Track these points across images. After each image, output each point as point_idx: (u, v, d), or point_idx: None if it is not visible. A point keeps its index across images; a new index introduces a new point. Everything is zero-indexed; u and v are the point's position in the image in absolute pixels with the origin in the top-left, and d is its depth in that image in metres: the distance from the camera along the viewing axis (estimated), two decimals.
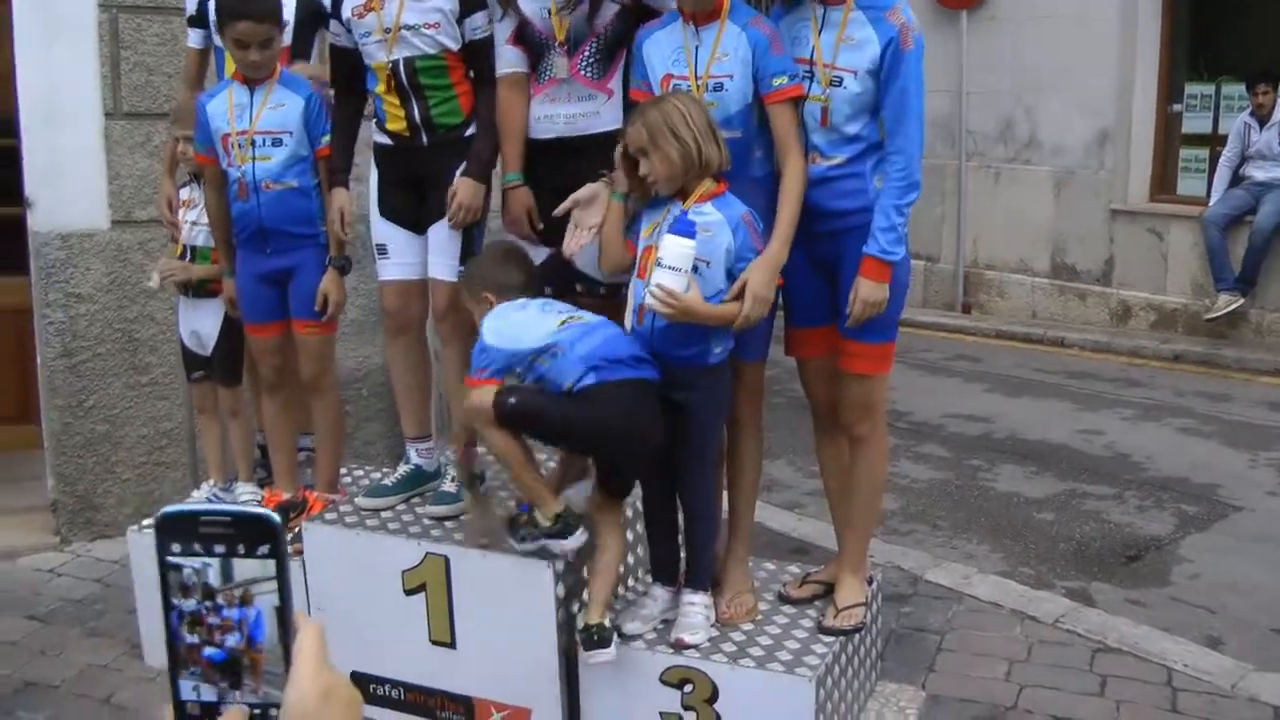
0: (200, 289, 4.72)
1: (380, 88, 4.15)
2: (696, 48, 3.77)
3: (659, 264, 3.57)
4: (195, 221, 4.70)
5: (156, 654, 4.57)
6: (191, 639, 1.04)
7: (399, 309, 4.35)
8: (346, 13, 4.16)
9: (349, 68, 4.26)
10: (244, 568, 1.04)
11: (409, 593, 4.02)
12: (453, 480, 4.30)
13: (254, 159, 4.28)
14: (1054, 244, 11.03)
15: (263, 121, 4.27)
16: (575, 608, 3.88)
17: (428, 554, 3.99)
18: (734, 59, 3.72)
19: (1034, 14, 10.89)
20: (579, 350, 3.62)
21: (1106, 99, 10.59)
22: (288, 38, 4.48)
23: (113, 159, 5.60)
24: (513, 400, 3.63)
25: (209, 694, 1.05)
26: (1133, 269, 10.54)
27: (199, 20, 4.67)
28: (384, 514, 4.28)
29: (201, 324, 4.75)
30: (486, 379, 3.67)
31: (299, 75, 4.41)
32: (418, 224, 4.24)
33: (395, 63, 4.08)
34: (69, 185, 5.55)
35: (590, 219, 3.84)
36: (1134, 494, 6.59)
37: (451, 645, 4.01)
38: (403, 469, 4.46)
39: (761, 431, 4.09)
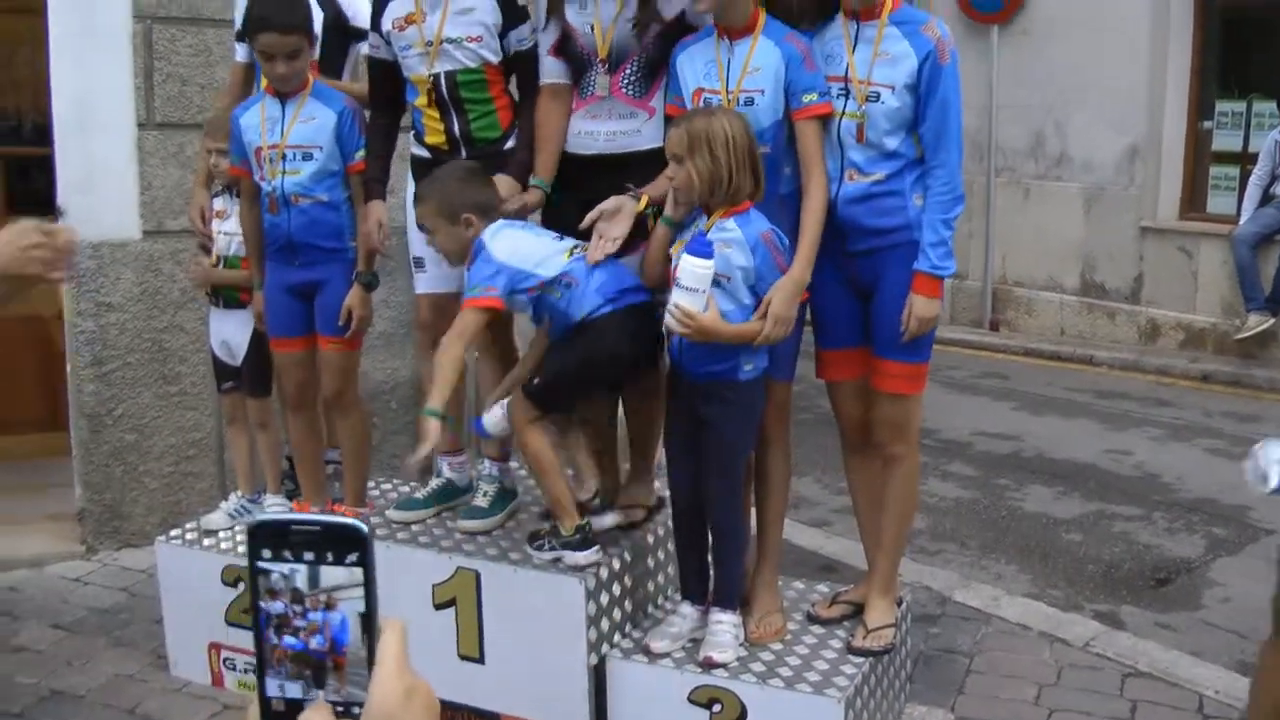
0: (230, 299, 4.72)
1: (420, 100, 4.14)
2: (729, 61, 3.76)
3: (677, 284, 3.58)
4: (228, 231, 4.71)
5: (183, 665, 4.58)
6: (277, 640, 1.07)
7: (434, 321, 4.32)
8: (387, 25, 4.15)
9: (387, 80, 4.25)
10: (331, 574, 1.07)
11: (439, 607, 4.01)
12: (484, 495, 4.29)
13: (284, 172, 4.28)
14: (1083, 261, 10.98)
15: (294, 135, 4.27)
16: (602, 625, 3.87)
17: (459, 568, 3.98)
18: (766, 74, 3.72)
19: (1065, 28, 10.85)
20: (594, 282, 3.79)
21: (1137, 115, 10.54)
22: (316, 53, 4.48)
23: (145, 169, 5.62)
24: (535, 381, 3.78)
25: (294, 691, 1.08)
26: (1162, 287, 10.48)
27: (243, 35, 4.68)
28: (414, 527, 4.27)
29: (231, 334, 4.75)
30: (493, 299, 3.78)
31: (333, 88, 4.41)
32: None
33: (436, 76, 4.07)
34: (101, 194, 5.57)
35: (614, 230, 3.83)
36: (1163, 515, 6.54)
37: (480, 660, 3.99)
38: (434, 483, 4.45)
39: (790, 449, 4.07)
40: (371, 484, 4.83)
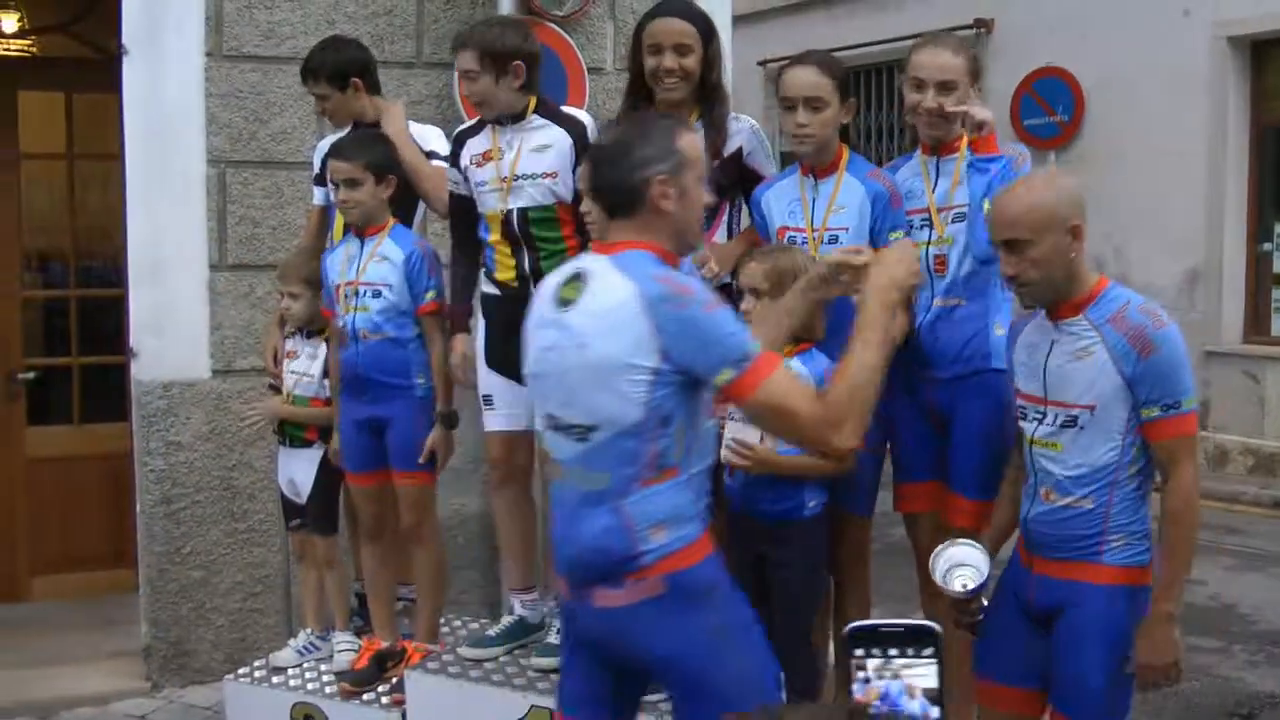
0: (296, 439, 4.76)
1: (493, 236, 4.19)
2: (814, 200, 3.81)
3: (731, 416, 3.56)
4: (295, 371, 4.77)
5: None
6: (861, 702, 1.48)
7: (505, 459, 4.34)
8: (465, 161, 4.24)
9: (468, 215, 4.30)
10: (910, 663, 1.44)
11: None
12: (558, 632, 4.25)
13: (355, 308, 4.37)
14: None
15: (368, 273, 4.37)
16: None
17: (533, 706, 3.94)
18: (851, 211, 3.76)
19: (1121, 154, 10.91)
20: None
21: (1196, 238, 10.53)
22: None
23: (216, 310, 5.71)
24: None
25: None
26: (1229, 411, 10.35)
27: (321, 179, 4.79)
28: (486, 665, 4.23)
29: (297, 473, 4.78)
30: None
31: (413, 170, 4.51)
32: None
33: (509, 212, 4.13)
34: (172, 335, 5.66)
35: None
36: (1242, 648, 6.38)
37: None
38: (506, 620, 4.42)
39: (869, 590, 4.01)
40: (440, 620, 4.81)
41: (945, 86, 3.74)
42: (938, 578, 3.23)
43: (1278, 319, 10.41)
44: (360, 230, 4.42)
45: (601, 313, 2.82)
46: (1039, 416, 3.17)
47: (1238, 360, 10.33)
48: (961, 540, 3.31)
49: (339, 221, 4.60)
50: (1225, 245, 10.41)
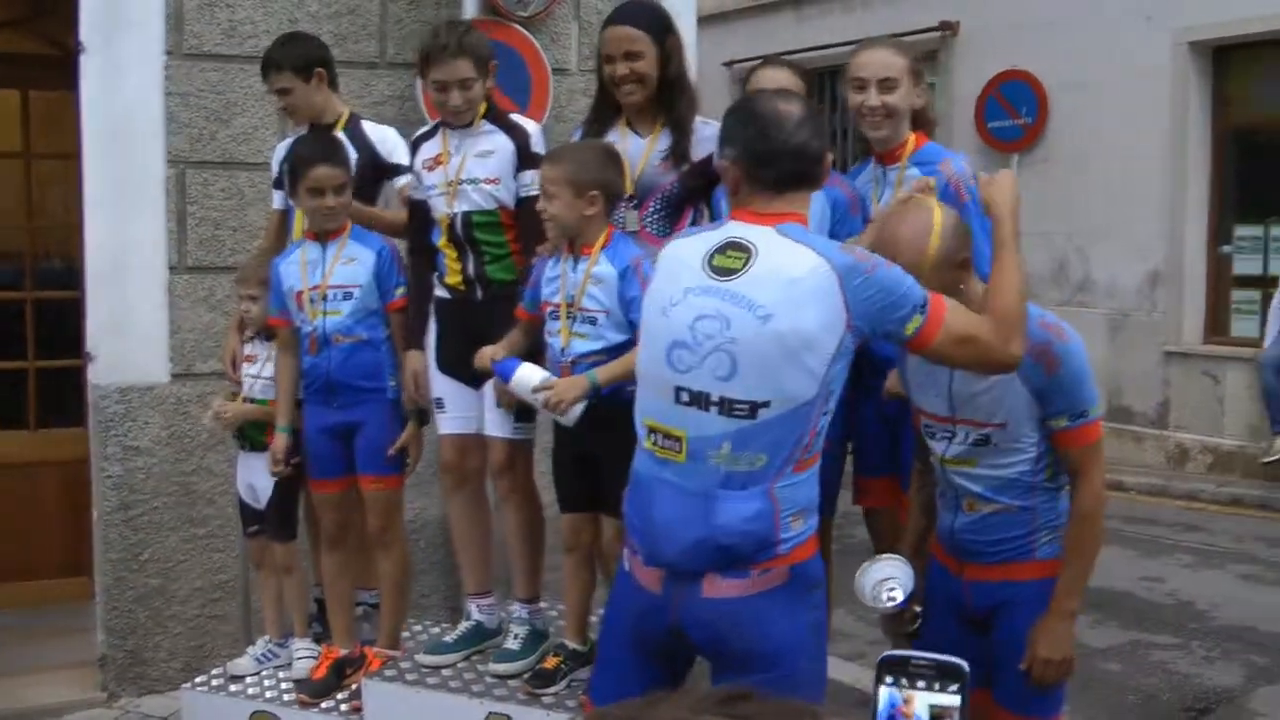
0: (256, 442, 4.71)
1: (442, 240, 4.20)
2: None
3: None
4: (253, 374, 4.72)
5: None
6: None
7: (458, 463, 4.33)
8: (419, 165, 4.24)
9: (424, 220, 4.30)
10: (935, 698, 1.47)
11: None
12: (515, 637, 4.23)
13: (325, 313, 4.33)
14: (1109, 386, 10.93)
15: (335, 276, 4.34)
16: None
17: (490, 713, 3.92)
18: (811, 216, 3.73)
19: (1084, 156, 11.00)
20: None
21: (1157, 241, 10.63)
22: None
23: (175, 312, 5.65)
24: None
25: None
26: (1189, 411, 10.45)
27: (280, 182, 4.75)
28: (444, 671, 4.20)
29: (256, 478, 4.73)
30: None
31: (369, 216, 4.49)
32: (474, 378, 4.24)
33: (454, 216, 4.13)
34: (131, 338, 5.59)
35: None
36: (1200, 644, 6.43)
37: None
38: (463, 625, 4.39)
39: (829, 589, 4.00)
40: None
41: (886, 84, 3.77)
42: (866, 597, 3.26)
43: (1237, 320, 10.50)
44: (319, 235, 4.38)
45: (786, 283, 2.77)
46: (948, 435, 3.20)
47: (1198, 361, 10.42)
48: (884, 556, 3.36)
49: (298, 224, 4.56)
50: (1186, 247, 10.50)
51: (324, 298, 4.33)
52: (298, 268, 4.39)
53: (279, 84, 4.63)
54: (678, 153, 4.04)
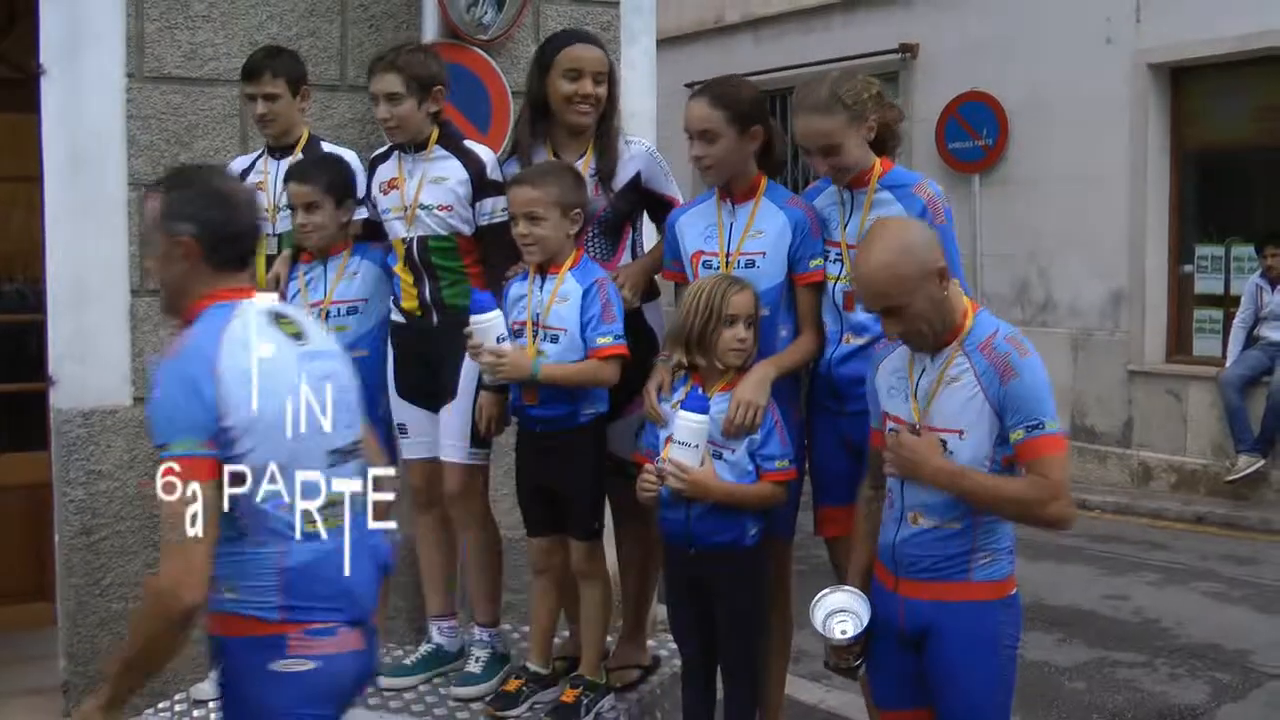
0: None
1: (398, 264, 4.19)
2: (730, 224, 3.81)
3: (673, 440, 3.59)
4: None
5: None
6: None
7: (424, 486, 4.32)
8: (374, 188, 4.23)
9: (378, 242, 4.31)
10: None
11: None
12: (477, 660, 4.22)
13: (330, 330, 4.26)
14: (1073, 405, 11.01)
15: (338, 292, 4.30)
16: None
17: None
18: (769, 237, 3.76)
19: (1045, 177, 11.09)
20: None
21: (1119, 261, 10.71)
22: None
23: (138, 336, 5.61)
24: None
25: None
26: (1152, 430, 10.52)
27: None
28: (406, 695, 4.19)
29: None
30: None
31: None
32: (433, 404, 4.22)
33: (410, 240, 4.12)
34: (93, 362, 5.54)
35: None
36: (1165, 662, 6.47)
37: None
38: (424, 648, 4.38)
39: (791, 610, 4.02)
40: None
41: (829, 151, 3.71)
42: (817, 624, 3.32)
43: (1199, 339, 10.60)
44: (319, 253, 4.32)
45: None
46: None
47: (1160, 380, 10.50)
48: (841, 587, 3.41)
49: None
50: (1147, 267, 10.59)
51: (326, 315, 4.25)
52: (297, 287, 4.33)
53: (269, 89, 4.53)
54: (604, 173, 4.06)
